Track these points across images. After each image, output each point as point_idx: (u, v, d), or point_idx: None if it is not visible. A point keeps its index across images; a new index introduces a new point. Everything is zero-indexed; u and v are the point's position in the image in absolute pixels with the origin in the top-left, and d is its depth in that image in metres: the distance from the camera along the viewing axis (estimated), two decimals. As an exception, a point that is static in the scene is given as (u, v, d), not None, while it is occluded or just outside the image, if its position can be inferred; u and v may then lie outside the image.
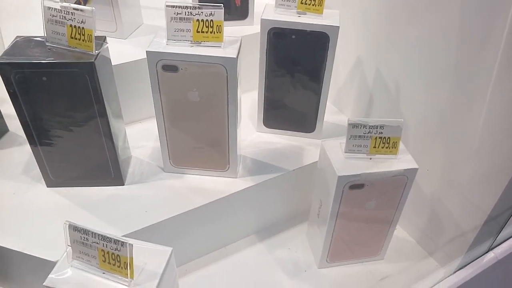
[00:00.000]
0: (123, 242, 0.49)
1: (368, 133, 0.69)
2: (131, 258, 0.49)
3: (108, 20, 0.89)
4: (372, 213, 0.74)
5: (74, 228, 0.50)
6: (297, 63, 0.80)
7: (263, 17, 0.76)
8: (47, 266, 0.61)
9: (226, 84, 0.67)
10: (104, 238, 0.49)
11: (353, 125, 0.69)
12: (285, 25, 0.76)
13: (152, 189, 0.77)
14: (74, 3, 0.88)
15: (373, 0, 0.83)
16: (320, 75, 0.81)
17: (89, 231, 0.50)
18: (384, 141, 0.70)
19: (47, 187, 0.77)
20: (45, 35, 0.64)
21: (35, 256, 0.65)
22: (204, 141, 0.75)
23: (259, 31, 0.77)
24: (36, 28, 0.80)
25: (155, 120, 0.74)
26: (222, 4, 0.64)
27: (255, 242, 0.87)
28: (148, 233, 0.70)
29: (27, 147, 0.85)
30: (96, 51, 0.62)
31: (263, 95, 0.85)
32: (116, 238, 0.49)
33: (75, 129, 0.69)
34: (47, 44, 0.64)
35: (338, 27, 0.75)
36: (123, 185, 0.78)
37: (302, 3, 0.76)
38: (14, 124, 0.90)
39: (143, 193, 0.76)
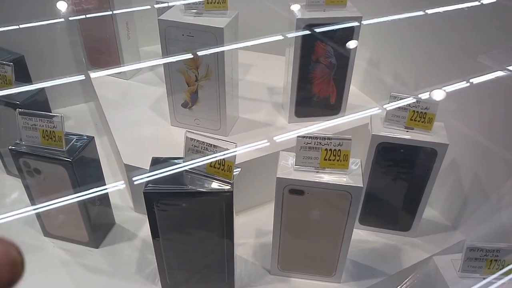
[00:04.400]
0: None
1: (484, 256, 0.71)
2: None
3: (213, 120, 0.94)
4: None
5: None
6: (403, 172, 0.83)
7: (373, 133, 0.79)
8: None
9: (349, 207, 0.70)
10: None
11: (470, 249, 0.70)
12: (395, 141, 0.79)
13: (259, 295, 0.80)
14: (181, 105, 0.94)
15: None
16: (423, 184, 0.83)
17: None
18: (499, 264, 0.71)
19: (162, 290, 0.80)
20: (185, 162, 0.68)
21: None
22: (316, 252, 0.78)
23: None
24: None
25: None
26: (350, 137, 0.67)
27: None
28: None
29: (135, 243, 0.90)
30: (233, 180, 0.66)
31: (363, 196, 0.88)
32: None
33: (203, 242, 0.73)
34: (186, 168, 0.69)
35: (448, 144, 0.78)
36: (233, 288, 0.81)
37: (411, 119, 0.79)
38: (120, 216, 0.95)
39: (254, 300, 0.79)
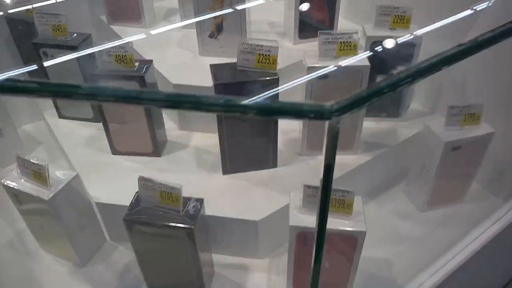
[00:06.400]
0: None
1: (460, 111, 0.97)
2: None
3: (235, 46, 1.14)
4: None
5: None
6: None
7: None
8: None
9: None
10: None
11: (451, 107, 0.97)
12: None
13: (296, 169, 1.04)
14: (208, 36, 1.15)
15: None
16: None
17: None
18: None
19: (223, 174, 1.02)
20: (238, 62, 0.90)
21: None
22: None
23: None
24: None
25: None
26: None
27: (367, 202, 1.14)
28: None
29: (189, 151, 1.11)
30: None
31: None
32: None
33: (253, 134, 0.97)
34: (238, 68, 0.90)
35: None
36: (276, 167, 1.04)
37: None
38: (172, 134, 1.16)
39: (291, 173, 1.03)
